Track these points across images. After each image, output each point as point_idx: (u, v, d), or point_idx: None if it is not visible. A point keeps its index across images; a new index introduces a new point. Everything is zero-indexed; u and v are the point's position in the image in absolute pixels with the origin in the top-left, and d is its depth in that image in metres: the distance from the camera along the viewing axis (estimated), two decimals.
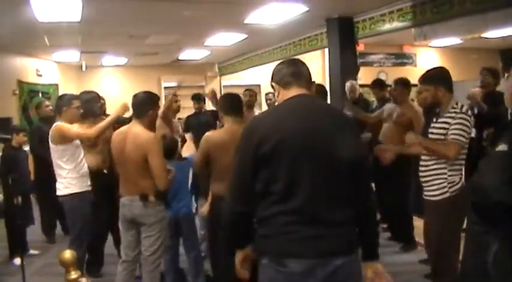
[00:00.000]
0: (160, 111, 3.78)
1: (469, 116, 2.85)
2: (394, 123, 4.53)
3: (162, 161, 3.00)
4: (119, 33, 7.12)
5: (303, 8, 5.80)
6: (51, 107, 5.51)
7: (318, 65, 10.47)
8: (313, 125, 1.77)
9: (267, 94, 6.44)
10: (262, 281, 1.81)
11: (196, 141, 4.65)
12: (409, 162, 4.40)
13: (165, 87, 11.19)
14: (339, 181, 1.76)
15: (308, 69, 1.94)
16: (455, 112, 2.86)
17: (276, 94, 1.92)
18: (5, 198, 4.15)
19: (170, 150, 3.49)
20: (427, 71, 3.09)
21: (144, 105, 3.11)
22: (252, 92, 5.62)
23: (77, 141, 3.63)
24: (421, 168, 3.02)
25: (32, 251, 4.84)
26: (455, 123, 2.82)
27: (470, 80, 4.91)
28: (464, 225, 2.81)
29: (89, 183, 3.67)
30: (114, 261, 3.63)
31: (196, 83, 11.49)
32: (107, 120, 3.67)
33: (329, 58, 6.96)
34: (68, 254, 1.66)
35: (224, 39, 7.88)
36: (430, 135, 2.98)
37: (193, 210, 4.14)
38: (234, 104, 3.09)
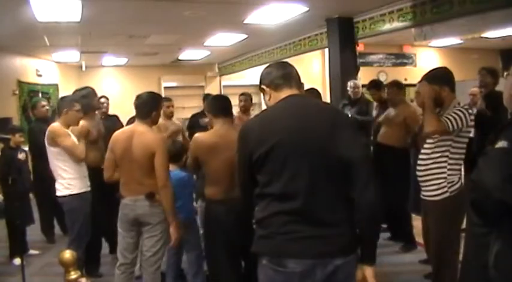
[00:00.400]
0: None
1: (466, 111, 2.84)
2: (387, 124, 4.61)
3: (166, 161, 3.03)
4: (119, 33, 7.12)
5: (303, 8, 5.80)
6: (47, 107, 5.50)
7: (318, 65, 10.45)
8: (308, 124, 1.77)
9: None
10: (261, 281, 1.81)
11: None
12: (408, 161, 4.41)
13: (165, 87, 11.20)
14: (337, 180, 1.76)
15: (297, 71, 1.95)
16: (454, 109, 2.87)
17: (267, 97, 1.92)
18: (5, 199, 4.15)
19: (178, 154, 3.50)
20: (432, 70, 3.07)
21: (149, 107, 3.12)
22: (248, 96, 5.57)
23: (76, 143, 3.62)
24: (419, 168, 3.00)
25: (32, 251, 4.84)
26: (451, 113, 2.83)
27: (470, 80, 4.91)
28: (464, 226, 2.83)
29: (88, 183, 3.67)
30: (113, 261, 3.63)
31: (196, 83, 11.50)
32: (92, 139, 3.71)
33: (329, 58, 6.96)
34: (67, 254, 1.66)
35: (224, 39, 7.89)
36: None
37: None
38: (223, 106, 3.03)
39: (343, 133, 1.77)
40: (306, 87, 4.30)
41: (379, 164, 4.78)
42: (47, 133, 3.57)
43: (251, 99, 5.58)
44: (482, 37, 8.81)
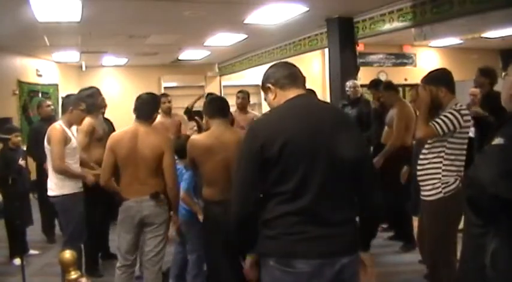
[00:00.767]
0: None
1: (457, 112, 2.84)
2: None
3: (174, 161, 3.07)
4: (119, 33, 7.12)
5: (303, 8, 5.80)
6: (52, 107, 5.51)
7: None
8: (318, 124, 1.77)
9: None
10: (267, 281, 1.80)
11: None
12: (409, 162, 4.41)
13: (165, 87, 11.20)
14: (343, 180, 1.78)
15: (301, 71, 1.95)
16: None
17: (272, 96, 1.89)
18: (5, 199, 4.14)
19: (183, 149, 3.50)
20: (430, 72, 3.10)
21: (150, 109, 3.15)
22: (245, 93, 5.56)
23: (74, 144, 3.60)
24: (417, 168, 3.03)
25: (32, 251, 4.83)
26: (441, 116, 2.85)
27: (470, 80, 4.91)
28: (461, 226, 2.84)
29: (80, 184, 3.64)
30: (113, 262, 3.62)
31: (196, 83, 11.50)
32: (75, 173, 3.56)
33: (329, 58, 6.96)
34: (67, 254, 1.64)
35: (224, 39, 7.89)
36: None
37: None
38: (219, 107, 3.04)
39: (348, 133, 1.81)
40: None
41: (381, 164, 4.80)
42: (47, 132, 3.57)
43: (248, 97, 5.56)
44: (482, 37, 8.81)
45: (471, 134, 3.26)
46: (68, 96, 3.86)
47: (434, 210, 2.94)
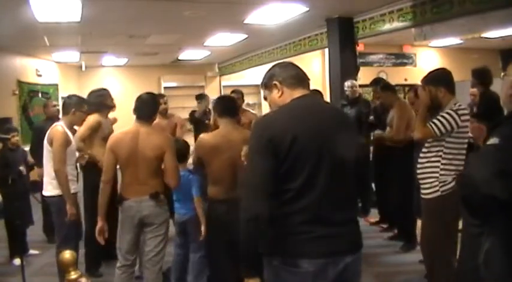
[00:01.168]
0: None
1: (455, 112, 2.86)
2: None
3: (176, 160, 3.07)
4: (119, 33, 7.12)
5: (303, 8, 5.80)
6: (57, 107, 5.51)
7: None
8: (322, 124, 1.79)
9: None
10: (270, 281, 1.80)
11: None
12: (412, 161, 4.42)
13: (165, 87, 11.20)
14: (345, 180, 1.80)
15: (305, 73, 1.96)
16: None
17: (278, 94, 1.88)
18: (4, 199, 4.13)
19: (182, 154, 3.49)
20: (429, 72, 3.12)
21: (150, 109, 3.16)
22: (239, 93, 5.55)
23: (73, 147, 3.60)
24: (417, 166, 3.07)
25: (32, 251, 4.83)
26: (438, 117, 2.88)
27: (470, 80, 4.92)
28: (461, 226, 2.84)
29: (76, 185, 3.65)
30: (113, 261, 3.62)
31: (196, 83, 11.50)
32: (66, 186, 3.46)
33: (329, 58, 6.96)
34: (67, 254, 1.64)
35: (224, 39, 7.89)
36: None
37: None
38: (228, 107, 3.07)
39: (348, 134, 1.85)
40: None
41: (383, 164, 4.81)
42: (49, 132, 3.57)
43: (243, 96, 5.56)
44: (482, 37, 8.81)
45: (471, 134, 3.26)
46: (69, 97, 3.84)
47: (431, 208, 2.97)
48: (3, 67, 7.96)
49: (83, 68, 10.24)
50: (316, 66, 11.33)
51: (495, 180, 1.42)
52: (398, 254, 4.51)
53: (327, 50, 7.14)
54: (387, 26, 6.00)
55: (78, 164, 4.04)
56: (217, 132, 3.02)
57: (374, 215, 5.51)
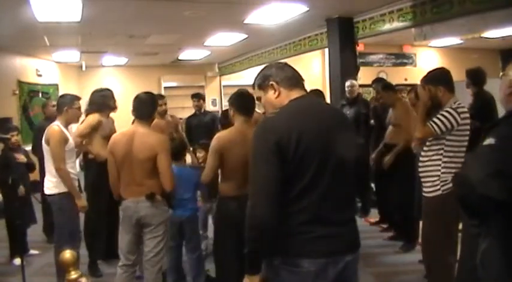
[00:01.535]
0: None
1: (454, 110, 2.87)
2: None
3: (170, 162, 3.06)
4: (119, 33, 7.12)
5: (303, 8, 5.80)
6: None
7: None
8: (324, 124, 1.79)
9: None
10: (272, 281, 1.79)
11: (198, 145, 4.59)
12: (413, 162, 4.42)
13: (165, 87, 11.19)
14: (345, 180, 1.80)
15: (300, 75, 1.96)
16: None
17: (275, 94, 1.87)
18: (5, 199, 4.13)
19: (179, 152, 3.48)
20: (428, 72, 3.13)
21: (150, 108, 3.15)
22: None
23: (71, 145, 3.60)
24: (419, 165, 3.07)
25: (32, 251, 4.83)
26: (437, 115, 2.89)
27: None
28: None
29: (76, 184, 3.65)
30: (113, 261, 3.63)
31: (196, 83, 11.50)
32: (70, 183, 3.49)
33: (329, 58, 6.96)
34: (68, 254, 1.64)
35: (224, 39, 7.89)
36: None
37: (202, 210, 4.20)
38: (246, 105, 3.03)
39: (349, 135, 1.88)
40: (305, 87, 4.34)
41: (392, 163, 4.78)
42: (46, 132, 3.57)
43: None
44: (482, 37, 8.80)
45: None
46: (62, 96, 3.85)
47: (432, 207, 2.97)
48: (3, 67, 7.96)
49: (83, 68, 10.24)
50: (316, 66, 11.33)
51: (491, 181, 1.43)
52: (398, 254, 4.51)
53: (327, 50, 7.14)
54: (387, 26, 6.00)
55: (78, 164, 4.04)
56: (235, 128, 3.02)
57: (374, 215, 5.52)
